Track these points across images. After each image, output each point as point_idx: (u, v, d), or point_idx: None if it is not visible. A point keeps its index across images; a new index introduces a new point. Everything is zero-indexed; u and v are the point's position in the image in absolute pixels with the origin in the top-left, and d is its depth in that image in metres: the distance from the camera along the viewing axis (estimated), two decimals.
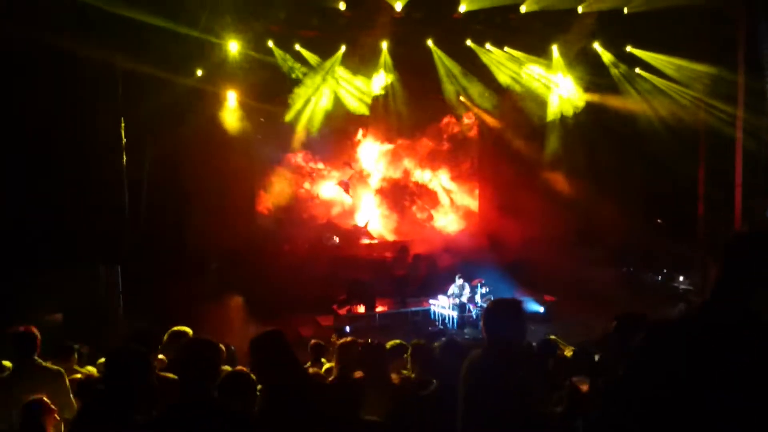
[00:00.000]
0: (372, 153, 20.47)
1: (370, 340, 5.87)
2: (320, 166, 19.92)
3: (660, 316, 2.67)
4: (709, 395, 2.38)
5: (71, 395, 5.54)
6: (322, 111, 17.60)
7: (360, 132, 20.01)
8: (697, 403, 2.39)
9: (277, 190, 19.08)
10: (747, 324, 2.46)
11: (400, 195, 20.49)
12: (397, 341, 6.73)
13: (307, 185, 19.80)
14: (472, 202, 21.20)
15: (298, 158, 19.53)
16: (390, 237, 20.42)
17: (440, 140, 20.51)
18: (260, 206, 18.94)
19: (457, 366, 4.01)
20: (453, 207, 21.16)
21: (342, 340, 5.91)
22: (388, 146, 20.45)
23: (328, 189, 20.06)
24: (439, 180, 21.08)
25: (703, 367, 2.41)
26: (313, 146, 19.35)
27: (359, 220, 20.24)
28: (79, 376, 6.24)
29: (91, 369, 6.97)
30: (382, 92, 17.48)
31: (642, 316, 4.29)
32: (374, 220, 20.42)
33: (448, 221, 21.03)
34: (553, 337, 10.79)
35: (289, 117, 17.44)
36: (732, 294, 2.53)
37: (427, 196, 20.86)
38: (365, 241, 19.96)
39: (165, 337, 5.89)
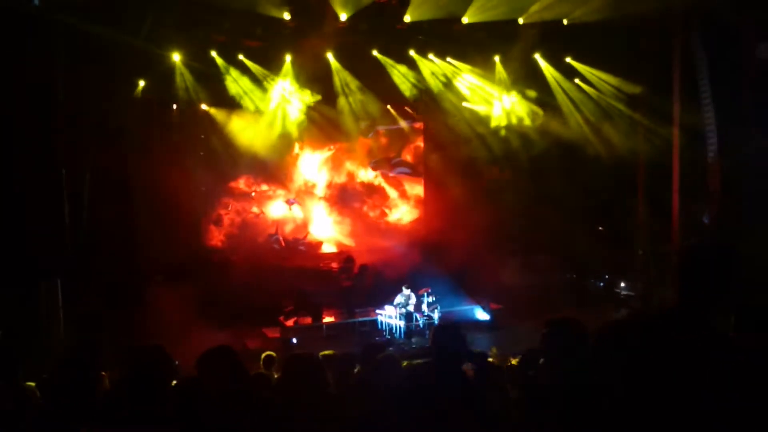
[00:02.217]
0: (312, 163, 20.36)
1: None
2: (264, 187, 19.75)
3: (605, 321, 2.71)
4: (654, 402, 2.41)
5: None
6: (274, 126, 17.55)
7: (296, 145, 19.84)
8: (642, 408, 2.42)
9: (227, 223, 18.93)
10: (700, 334, 2.51)
11: (348, 198, 20.45)
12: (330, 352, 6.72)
13: (255, 209, 19.62)
14: (421, 190, 21.23)
15: (241, 184, 19.33)
16: (347, 242, 20.33)
17: (377, 136, 20.39)
18: (212, 241, 18.70)
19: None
20: (403, 198, 21.15)
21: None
22: (328, 153, 20.35)
23: (277, 208, 19.92)
24: (384, 175, 21.02)
25: (648, 374, 2.45)
26: (252, 168, 19.13)
27: (314, 232, 20.16)
28: None
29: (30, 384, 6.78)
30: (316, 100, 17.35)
31: (572, 321, 4.31)
32: (327, 227, 20.32)
33: (401, 213, 21.03)
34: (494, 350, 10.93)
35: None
36: (687, 305, 2.59)
37: (375, 193, 20.82)
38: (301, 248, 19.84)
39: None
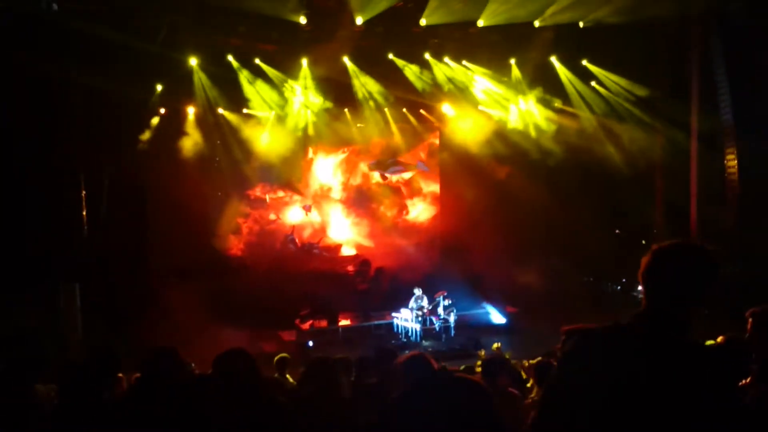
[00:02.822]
0: (327, 166, 20.38)
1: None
2: (280, 194, 19.79)
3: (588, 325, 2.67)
4: (626, 410, 2.36)
5: None
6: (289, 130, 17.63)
7: (310, 150, 19.89)
8: (613, 416, 2.38)
9: (245, 231, 18.99)
10: (666, 342, 2.46)
11: (364, 199, 20.45)
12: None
13: (272, 216, 19.68)
14: (436, 186, 21.16)
15: (257, 192, 19.38)
16: (366, 243, 20.33)
17: (391, 136, 20.31)
18: (232, 250, 18.74)
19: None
20: (420, 195, 21.12)
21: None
22: (341, 155, 20.35)
23: (294, 214, 19.96)
24: (400, 174, 20.97)
25: (621, 382, 2.39)
26: (268, 174, 19.16)
27: (333, 235, 20.18)
28: None
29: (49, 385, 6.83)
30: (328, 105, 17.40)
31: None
32: (345, 230, 20.34)
33: (418, 211, 20.99)
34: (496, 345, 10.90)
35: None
36: (658, 310, 2.53)
37: (392, 193, 20.80)
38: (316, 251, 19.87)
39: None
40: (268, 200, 19.55)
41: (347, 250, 20.31)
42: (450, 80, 17.13)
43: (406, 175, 20.75)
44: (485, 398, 2.60)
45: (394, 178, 20.57)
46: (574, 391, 2.48)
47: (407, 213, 20.87)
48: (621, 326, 2.57)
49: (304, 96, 16.92)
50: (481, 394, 2.78)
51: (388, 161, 20.28)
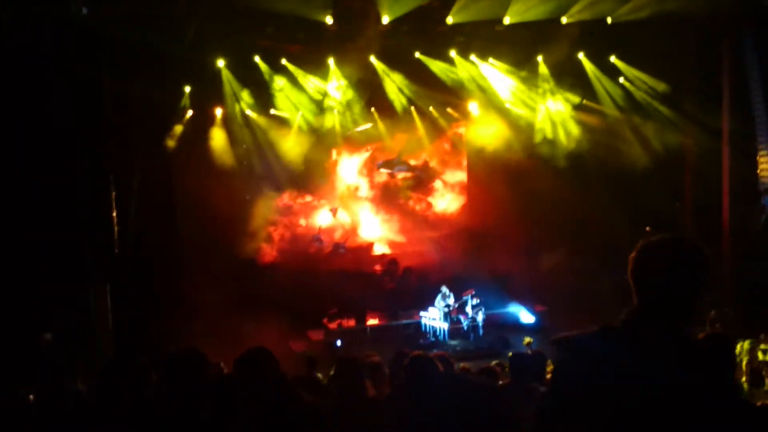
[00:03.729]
0: (351, 166, 20.40)
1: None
2: (308, 198, 19.85)
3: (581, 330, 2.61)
4: (624, 413, 2.32)
5: None
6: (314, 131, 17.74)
7: (333, 152, 19.95)
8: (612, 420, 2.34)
9: (277, 238, 19.08)
10: (666, 340, 2.42)
11: (392, 195, 20.45)
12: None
13: (302, 221, 19.77)
14: (463, 175, 21.05)
15: (285, 198, 19.43)
16: (398, 239, 20.34)
17: (415, 130, 20.19)
18: (266, 257, 18.81)
19: None
20: (446, 186, 21.06)
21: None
22: (366, 154, 20.36)
23: (323, 217, 20.03)
24: (405, 173, 20.91)
25: (616, 385, 2.34)
26: (294, 179, 19.15)
27: (364, 234, 20.22)
28: None
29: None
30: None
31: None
32: (376, 228, 20.38)
33: (447, 201, 20.94)
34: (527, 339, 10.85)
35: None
36: (648, 308, 2.50)
37: (418, 186, 20.78)
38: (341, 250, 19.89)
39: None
40: (296, 206, 19.62)
41: (380, 248, 20.29)
42: (475, 79, 17.09)
43: (406, 174, 20.68)
44: (490, 398, 2.59)
45: (400, 176, 20.53)
46: (575, 401, 2.42)
47: (434, 206, 20.77)
48: (615, 329, 2.52)
49: (331, 96, 16.96)
50: (487, 393, 2.77)
51: (394, 161, 20.29)
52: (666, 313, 2.47)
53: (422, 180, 20.75)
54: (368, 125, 18.75)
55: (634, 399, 2.30)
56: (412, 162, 20.58)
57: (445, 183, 20.90)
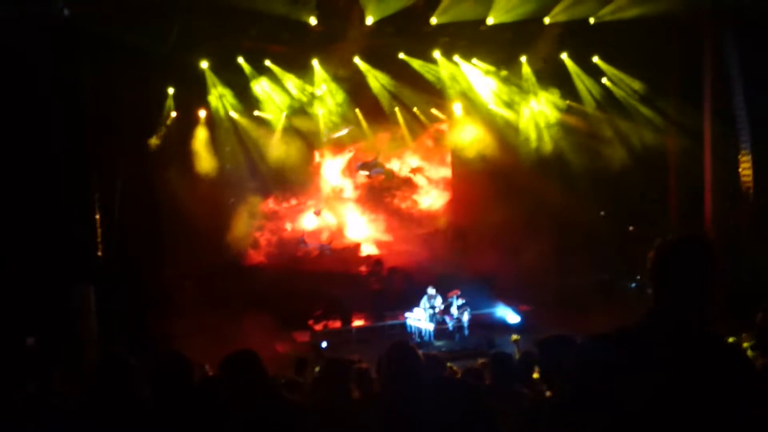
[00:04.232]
0: (335, 168, 20.38)
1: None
2: (293, 202, 19.81)
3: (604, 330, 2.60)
4: (654, 410, 2.33)
5: None
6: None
7: (316, 154, 19.92)
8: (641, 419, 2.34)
9: (264, 243, 19.05)
10: (689, 337, 2.43)
11: (377, 195, 20.45)
12: None
13: (288, 225, 19.72)
14: (447, 171, 21.03)
15: (270, 203, 19.38)
16: (385, 238, 20.33)
17: (397, 129, 20.00)
18: (253, 261, 18.78)
19: None
20: (431, 183, 21.07)
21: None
22: (348, 155, 20.34)
23: (310, 220, 20.00)
24: (407, 164, 20.93)
25: (645, 384, 2.35)
26: (278, 183, 19.17)
27: (351, 235, 20.21)
28: None
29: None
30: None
31: (566, 338, 4.23)
32: (363, 228, 20.37)
33: (432, 198, 20.94)
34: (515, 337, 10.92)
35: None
36: (674, 306, 2.49)
37: (403, 184, 20.78)
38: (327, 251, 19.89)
39: None
40: (282, 210, 19.56)
41: (367, 248, 20.27)
42: (458, 79, 17.14)
43: (382, 175, 20.67)
44: (474, 399, 2.58)
45: (374, 176, 20.55)
46: (600, 403, 2.42)
47: (419, 203, 20.79)
48: (637, 329, 2.52)
49: (314, 97, 16.94)
50: (471, 395, 2.74)
51: (371, 163, 20.31)
52: (689, 310, 2.48)
53: (404, 180, 20.77)
54: (345, 131, 18.80)
55: (667, 397, 2.32)
56: (388, 165, 20.65)
57: (429, 180, 20.91)
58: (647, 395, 2.34)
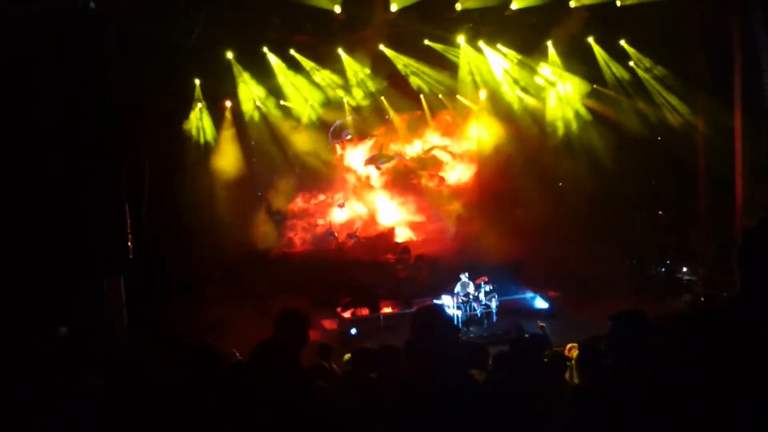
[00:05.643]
0: (358, 157, 20.40)
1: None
2: (321, 197, 19.89)
3: (670, 310, 2.58)
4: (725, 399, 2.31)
5: None
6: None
7: (337, 147, 19.94)
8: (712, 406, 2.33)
9: (299, 243, 19.19)
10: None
11: (404, 178, 20.47)
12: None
13: (320, 221, 19.81)
14: (471, 145, 20.87)
15: (299, 203, 19.49)
16: (417, 219, 20.42)
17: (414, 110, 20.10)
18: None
19: None
20: (456, 158, 21.04)
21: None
22: (369, 142, 20.34)
23: (339, 214, 20.10)
24: (429, 143, 20.91)
25: (720, 371, 2.33)
26: (304, 183, 19.33)
27: (383, 221, 20.31)
28: None
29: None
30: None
31: (639, 313, 4.18)
32: (394, 212, 20.44)
33: (459, 173, 20.89)
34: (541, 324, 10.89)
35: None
36: (752, 292, 2.44)
37: (428, 163, 20.75)
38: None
39: None
40: (312, 207, 19.67)
41: (401, 231, 20.31)
42: (483, 64, 17.08)
43: (390, 164, 20.62)
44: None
45: (383, 168, 20.52)
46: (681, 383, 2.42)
47: (446, 180, 20.77)
48: (723, 313, 2.49)
49: (342, 86, 16.97)
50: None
51: (376, 156, 20.28)
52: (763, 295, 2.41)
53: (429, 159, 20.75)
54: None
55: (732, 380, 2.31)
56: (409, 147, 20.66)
57: (453, 155, 20.83)
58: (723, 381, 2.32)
